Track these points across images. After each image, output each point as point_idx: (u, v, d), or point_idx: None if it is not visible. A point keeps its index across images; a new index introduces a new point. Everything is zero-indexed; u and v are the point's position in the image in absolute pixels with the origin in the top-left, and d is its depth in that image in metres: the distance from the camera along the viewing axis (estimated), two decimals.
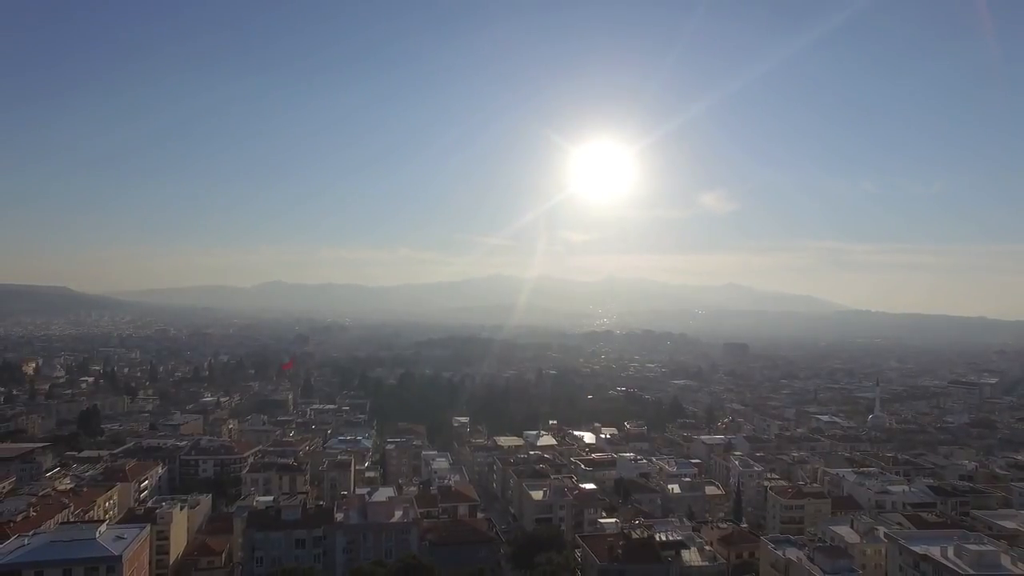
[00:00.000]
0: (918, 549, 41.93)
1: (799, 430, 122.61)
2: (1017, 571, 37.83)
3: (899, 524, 52.12)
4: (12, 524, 46.25)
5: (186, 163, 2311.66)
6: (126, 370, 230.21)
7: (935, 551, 41.03)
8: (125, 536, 41.24)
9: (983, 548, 40.26)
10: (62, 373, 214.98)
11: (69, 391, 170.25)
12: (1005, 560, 39.30)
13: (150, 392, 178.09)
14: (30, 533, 40.82)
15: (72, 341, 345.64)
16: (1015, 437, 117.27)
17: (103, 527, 41.61)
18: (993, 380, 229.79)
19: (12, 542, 39.06)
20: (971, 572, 37.69)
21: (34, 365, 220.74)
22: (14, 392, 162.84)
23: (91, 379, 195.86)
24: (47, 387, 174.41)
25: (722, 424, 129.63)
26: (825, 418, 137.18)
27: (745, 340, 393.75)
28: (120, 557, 37.80)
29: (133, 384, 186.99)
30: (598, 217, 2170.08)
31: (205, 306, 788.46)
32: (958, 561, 39.26)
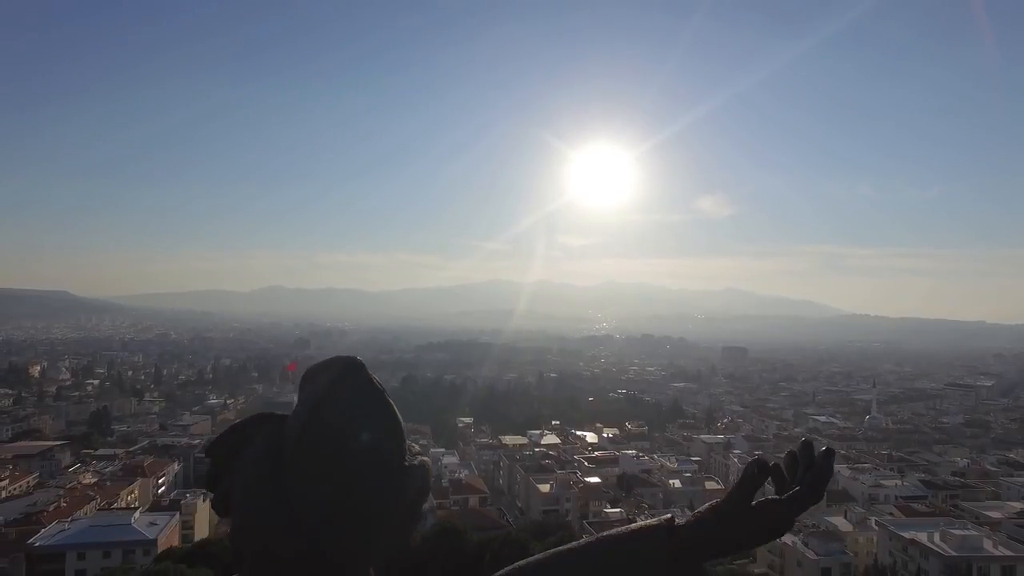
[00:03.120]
0: (906, 535, 44.52)
1: (796, 430, 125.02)
2: (997, 553, 40.41)
3: (890, 514, 54.61)
4: (46, 513, 48.77)
5: (186, 168, 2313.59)
6: (130, 373, 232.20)
7: (922, 536, 43.64)
8: (157, 523, 43.73)
9: (967, 533, 42.89)
10: (67, 376, 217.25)
11: (76, 393, 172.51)
12: (987, 544, 41.93)
13: (156, 394, 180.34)
14: (68, 519, 43.29)
15: (75, 345, 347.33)
16: (1008, 437, 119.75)
17: (137, 514, 44.09)
18: (989, 383, 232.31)
19: (54, 527, 41.55)
20: (954, 554, 40.30)
21: (39, 368, 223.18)
22: (22, 394, 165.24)
23: (96, 382, 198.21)
24: (54, 389, 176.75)
25: (721, 424, 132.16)
26: (822, 419, 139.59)
27: (744, 344, 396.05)
28: (155, 541, 40.31)
29: (138, 386, 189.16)
30: (597, 221, 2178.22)
31: (205, 310, 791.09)
32: (943, 545, 41.87)
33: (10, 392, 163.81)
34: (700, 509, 1.43)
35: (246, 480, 1.41)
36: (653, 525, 1.42)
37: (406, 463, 1.44)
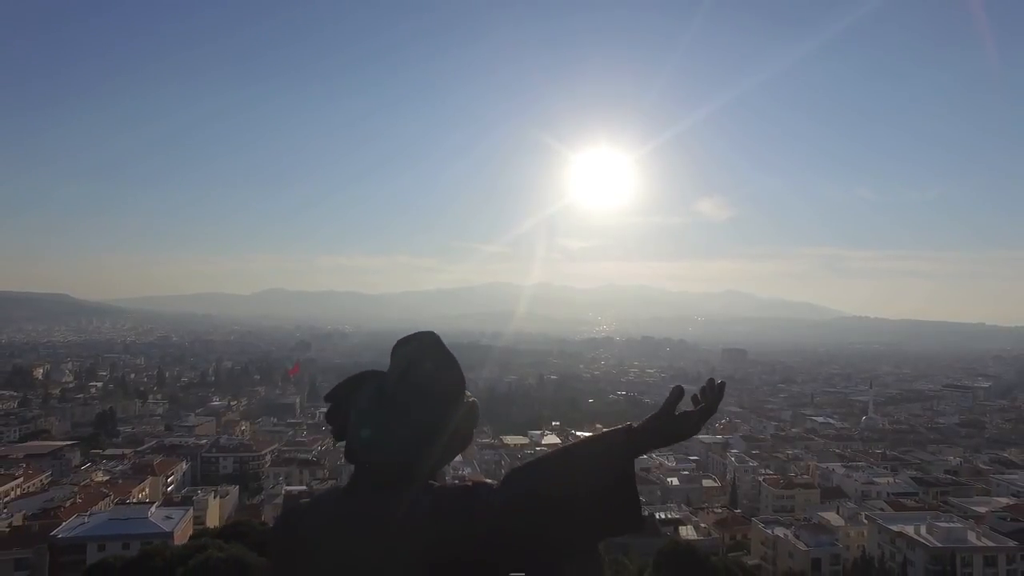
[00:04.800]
0: (894, 527, 46.21)
1: (794, 430, 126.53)
2: (980, 544, 42.09)
3: (881, 510, 56.26)
4: (63, 509, 50.46)
5: (186, 170, 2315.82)
6: (132, 375, 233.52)
7: (909, 529, 45.34)
8: (173, 516, 45.37)
9: (952, 526, 44.58)
10: (71, 378, 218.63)
11: (80, 395, 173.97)
12: (971, 536, 43.60)
13: (159, 396, 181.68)
14: (87, 513, 44.93)
15: (76, 347, 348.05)
16: (1002, 436, 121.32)
17: (153, 508, 45.76)
18: (987, 384, 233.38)
19: (74, 520, 43.21)
20: (939, 545, 42.00)
21: (42, 370, 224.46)
22: (27, 396, 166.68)
23: (100, 384, 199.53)
24: (58, 391, 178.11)
25: (719, 425, 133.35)
26: (820, 419, 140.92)
27: (744, 346, 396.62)
28: (171, 533, 41.91)
29: (142, 388, 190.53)
30: (597, 224, 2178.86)
31: (205, 313, 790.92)
32: (929, 537, 43.57)
33: (15, 394, 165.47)
34: (646, 418, 2.20)
35: (360, 410, 2.33)
36: (618, 427, 2.19)
37: (465, 400, 2.38)
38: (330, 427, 2.53)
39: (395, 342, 2.52)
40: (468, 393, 2.40)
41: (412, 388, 2.32)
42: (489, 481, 2.30)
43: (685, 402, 2.21)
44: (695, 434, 2.23)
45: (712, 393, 2.26)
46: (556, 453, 2.23)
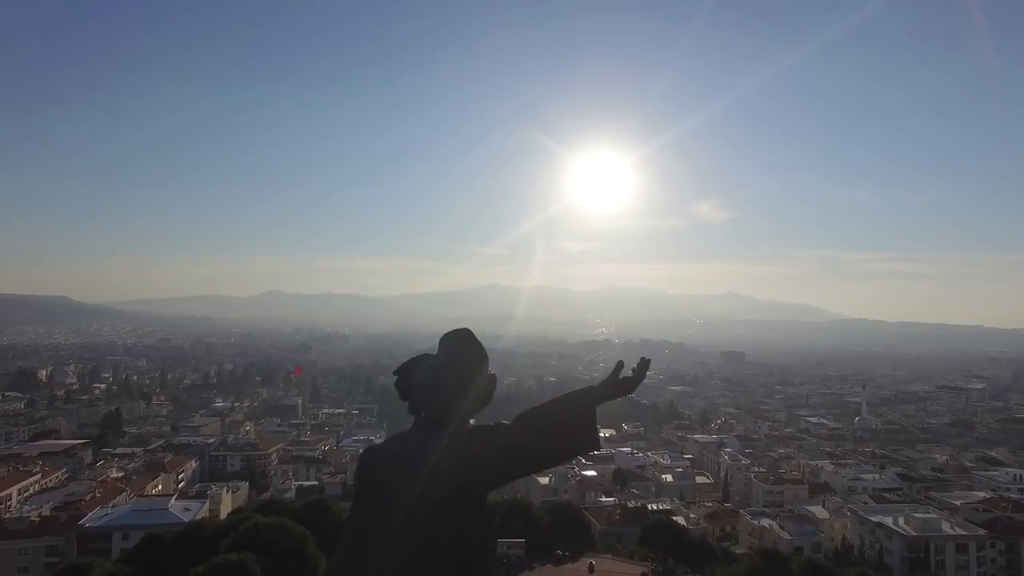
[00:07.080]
0: (874, 519, 48.81)
1: (788, 430, 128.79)
2: (953, 533, 44.71)
3: (865, 503, 58.79)
4: (83, 502, 52.97)
5: (185, 173, 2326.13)
6: (135, 377, 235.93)
7: (888, 520, 47.93)
8: (191, 508, 47.86)
9: (928, 516, 47.23)
10: (74, 380, 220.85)
11: (85, 396, 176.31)
12: (945, 526, 46.25)
13: (163, 398, 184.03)
14: (110, 505, 47.42)
15: (78, 350, 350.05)
16: (991, 436, 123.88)
17: (172, 500, 48.23)
18: (980, 385, 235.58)
19: (98, 511, 45.78)
20: (914, 534, 44.63)
21: (45, 372, 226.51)
22: (34, 397, 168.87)
23: (103, 386, 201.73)
24: (63, 393, 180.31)
25: (715, 425, 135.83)
26: (814, 420, 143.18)
27: (743, 348, 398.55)
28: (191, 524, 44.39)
29: (145, 390, 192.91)
30: (596, 226, 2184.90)
31: (205, 315, 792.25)
32: (905, 527, 46.23)
33: (21, 396, 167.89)
34: (601, 381, 3.53)
35: (418, 378, 3.92)
36: (583, 387, 3.56)
37: (488, 372, 3.98)
38: (398, 391, 3.99)
39: (437, 336, 4.20)
40: (491, 368, 3.92)
41: (452, 363, 3.76)
42: (505, 422, 3.57)
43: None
44: (630, 393, 3.52)
45: (641, 367, 3.52)
46: (546, 403, 3.57)
